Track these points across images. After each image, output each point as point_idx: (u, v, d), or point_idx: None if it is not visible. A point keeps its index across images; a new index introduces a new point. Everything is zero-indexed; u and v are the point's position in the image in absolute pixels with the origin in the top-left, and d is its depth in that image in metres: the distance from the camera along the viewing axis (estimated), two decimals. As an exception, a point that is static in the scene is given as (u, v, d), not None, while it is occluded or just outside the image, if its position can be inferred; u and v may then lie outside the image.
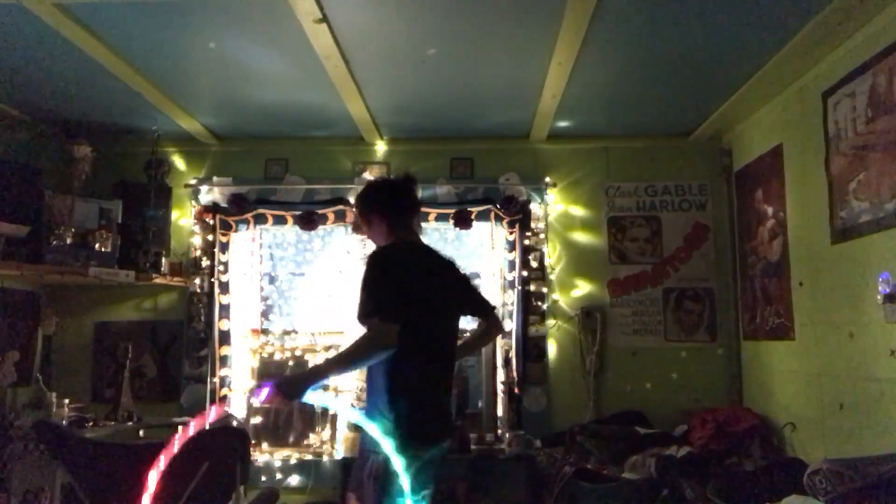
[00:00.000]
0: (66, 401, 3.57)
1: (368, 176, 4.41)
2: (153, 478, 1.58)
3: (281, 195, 4.36)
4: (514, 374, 4.15)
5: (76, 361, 4.27)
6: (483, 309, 2.63)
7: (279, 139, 4.45)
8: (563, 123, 4.16)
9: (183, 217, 4.42)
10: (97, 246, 3.77)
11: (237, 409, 4.20)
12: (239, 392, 4.23)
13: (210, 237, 4.31)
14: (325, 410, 4.09)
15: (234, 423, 3.89)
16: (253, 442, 4.02)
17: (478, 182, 4.40)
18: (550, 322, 4.29)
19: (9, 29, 2.90)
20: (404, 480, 2.05)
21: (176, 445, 1.71)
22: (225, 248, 4.33)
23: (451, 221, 4.27)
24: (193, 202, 4.40)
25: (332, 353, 4.15)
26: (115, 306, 4.34)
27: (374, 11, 2.82)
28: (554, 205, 4.38)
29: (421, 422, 2.19)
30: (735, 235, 4.25)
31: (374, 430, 2.11)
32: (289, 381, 2.15)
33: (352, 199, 4.33)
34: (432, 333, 2.31)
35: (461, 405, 3.99)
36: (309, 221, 4.27)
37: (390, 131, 4.37)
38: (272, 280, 4.51)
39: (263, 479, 4.00)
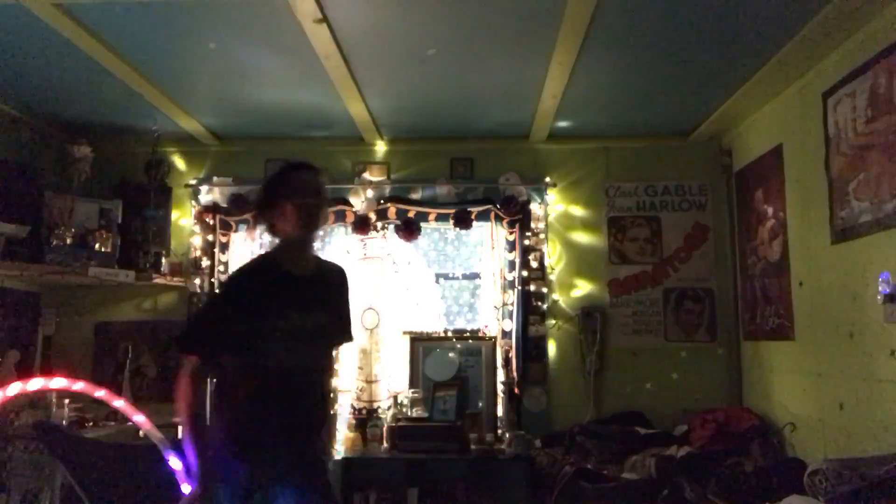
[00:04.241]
0: (66, 401, 3.57)
1: (368, 176, 4.41)
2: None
3: (281, 195, 4.35)
4: (514, 374, 4.15)
5: (76, 361, 4.27)
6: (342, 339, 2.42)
7: (279, 139, 4.45)
8: (563, 123, 4.16)
9: (183, 217, 4.42)
10: (97, 246, 3.78)
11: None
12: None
13: (210, 237, 4.31)
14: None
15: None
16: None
17: (478, 182, 4.39)
18: (550, 322, 4.29)
19: (9, 29, 2.91)
20: None
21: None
22: (225, 248, 4.33)
23: (451, 221, 4.27)
24: (193, 202, 4.40)
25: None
26: (115, 306, 4.34)
27: (374, 11, 2.82)
28: (554, 205, 4.38)
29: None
30: (735, 235, 4.25)
31: None
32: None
33: (352, 200, 4.34)
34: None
35: (461, 405, 3.99)
36: (309, 221, 4.27)
37: (390, 131, 4.37)
38: (272, 280, 4.50)
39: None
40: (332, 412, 2.41)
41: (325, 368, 2.40)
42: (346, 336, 2.44)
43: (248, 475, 2.07)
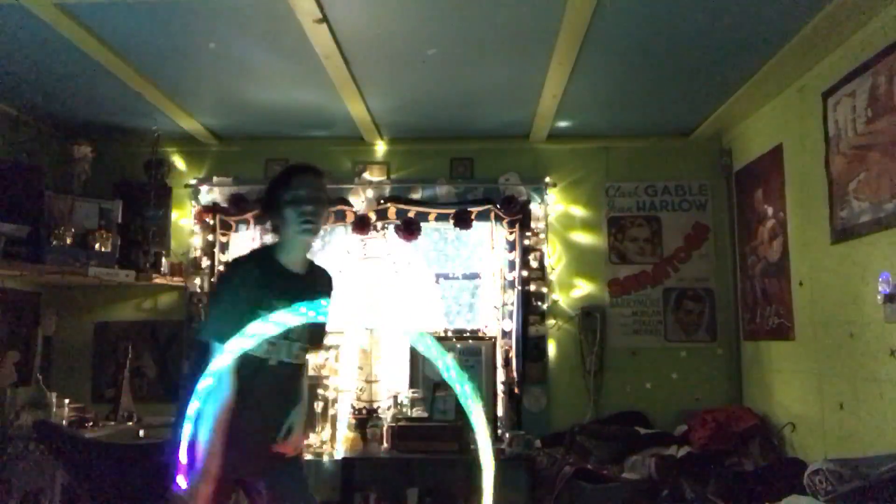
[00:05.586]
0: (66, 401, 3.57)
1: (368, 176, 4.42)
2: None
3: (281, 195, 4.35)
4: (514, 374, 4.15)
5: (76, 361, 4.27)
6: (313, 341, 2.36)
7: (279, 139, 4.45)
8: (563, 123, 4.16)
9: (183, 217, 4.42)
10: (97, 246, 3.77)
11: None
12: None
13: (210, 237, 4.31)
14: (324, 410, 4.07)
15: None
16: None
17: (478, 182, 4.40)
18: (550, 322, 4.29)
19: (9, 29, 2.90)
20: None
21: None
22: (225, 248, 4.33)
23: (451, 221, 4.27)
24: (193, 202, 4.40)
25: (330, 353, 4.14)
26: (115, 306, 4.34)
27: (374, 11, 2.83)
28: (554, 205, 4.38)
29: None
30: (735, 235, 4.25)
31: None
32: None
33: (352, 199, 4.35)
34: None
35: (461, 405, 3.98)
36: (309, 221, 4.26)
37: (390, 131, 4.37)
38: (272, 280, 4.49)
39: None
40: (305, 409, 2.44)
41: (304, 368, 2.41)
42: (318, 343, 2.43)
43: (229, 467, 2.06)
